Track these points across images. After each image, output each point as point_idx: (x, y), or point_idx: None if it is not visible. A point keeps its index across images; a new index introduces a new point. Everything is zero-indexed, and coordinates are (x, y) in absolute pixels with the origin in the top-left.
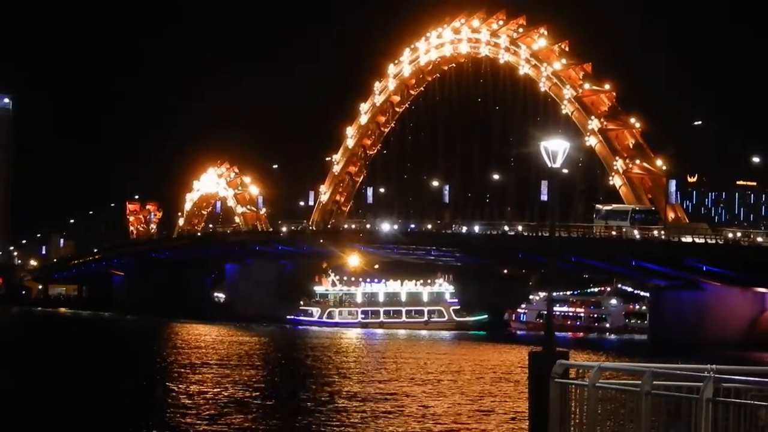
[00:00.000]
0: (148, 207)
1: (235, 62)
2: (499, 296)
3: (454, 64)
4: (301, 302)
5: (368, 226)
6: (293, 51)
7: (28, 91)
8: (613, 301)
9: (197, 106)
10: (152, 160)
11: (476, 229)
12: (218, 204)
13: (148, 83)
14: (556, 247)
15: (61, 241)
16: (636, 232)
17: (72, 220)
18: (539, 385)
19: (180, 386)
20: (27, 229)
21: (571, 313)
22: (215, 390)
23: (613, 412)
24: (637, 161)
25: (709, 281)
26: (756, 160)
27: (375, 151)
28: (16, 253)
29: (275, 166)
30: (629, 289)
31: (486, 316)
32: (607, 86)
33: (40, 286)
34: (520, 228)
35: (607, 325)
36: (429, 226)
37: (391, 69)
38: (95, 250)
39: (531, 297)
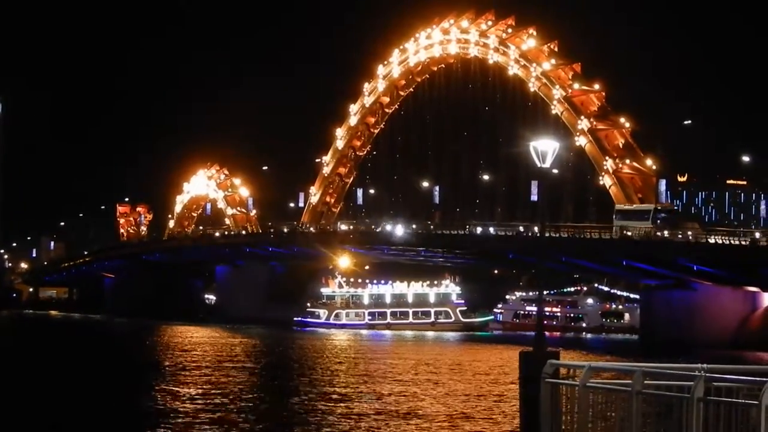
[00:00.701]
0: (138, 209)
1: (223, 65)
2: (488, 297)
3: (443, 65)
4: (308, 304)
5: (362, 227)
6: (283, 53)
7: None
8: (590, 301)
9: (187, 108)
10: (142, 162)
11: (480, 229)
12: (208, 206)
13: (138, 86)
14: (545, 248)
15: (52, 243)
16: (658, 232)
17: (62, 223)
18: (530, 385)
19: (171, 388)
20: (17, 232)
21: (547, 313)
22: (206, 392)
23: (604, 412)
24: (627, 161)
25: (700, 281)
26: (746, 159)
27: (365, 152)
28: (6, 256)
29: (265, 168)
30: (606, 289)
31: (492, 317)
32: (596, 86)
33: (31, 289)
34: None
35: (584, 325)
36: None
37: (381, 70)
38: (86, 253)
39: (507, 297)
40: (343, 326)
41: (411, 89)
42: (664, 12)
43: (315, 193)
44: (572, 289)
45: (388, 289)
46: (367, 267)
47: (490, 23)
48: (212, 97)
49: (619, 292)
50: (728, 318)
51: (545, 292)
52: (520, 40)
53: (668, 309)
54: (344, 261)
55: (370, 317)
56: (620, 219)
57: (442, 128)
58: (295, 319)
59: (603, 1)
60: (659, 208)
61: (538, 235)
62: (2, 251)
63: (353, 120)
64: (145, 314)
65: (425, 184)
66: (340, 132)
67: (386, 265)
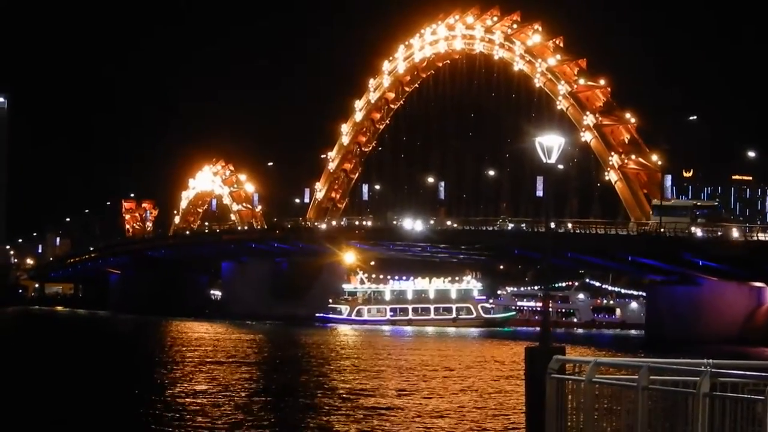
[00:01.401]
0: (143, 205)
1: (229, 59)
2: (494, 292)
3: (448, 61)
4: (330, 300)
5: (367, 223)
6: (287, 49)
7: (24, 90)
8: (581, 296)
9: (192, 103)
10: (148, 158)
11: (512, 225)
12: (214, 202)
13: (143, 81)
14: (550, 243)
15: (57, 239)
16: (698, 230)
17: (68, 219)
18: (536, 380)
19: (176, 384)
20: (23, 228)
21: (538, 308)
22: (213, 388)
23: (610, 408)
24: (633, 156)
25: (705, 276)
26: (751, 154)
27: (370, 148)
28: (12, 252)
29: (270, 164)
30: (597, 284)
31: (513, 312)
32: (601, 82)
33: (37, 285)
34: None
35: (575, 320)
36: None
37: (386, 66)
38: (91, 249)
39: (499, 292)
40: (364, 322)
41: (416, 85)
42: (670, 7)
43: (320, 189)
44: (563, 284)
45: (409, 285)
46: (372, 263)
47: (495, 19)
48: (217, 93)
49: (610, 287)
50: (734, 313)
51: (536, 288)
52: (526, 36)
53: (673, 304)
54: (350, 257)
55: (391, 313)
56: (658, 215)
57: (447, 124)
58: (316, 315)
59: None
60: (699, 204)
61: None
62: (8, 247)
63: (358, 116)
64: (150, 310)
65: (430, 179)
66: (345, 128)
67: (406, 261)
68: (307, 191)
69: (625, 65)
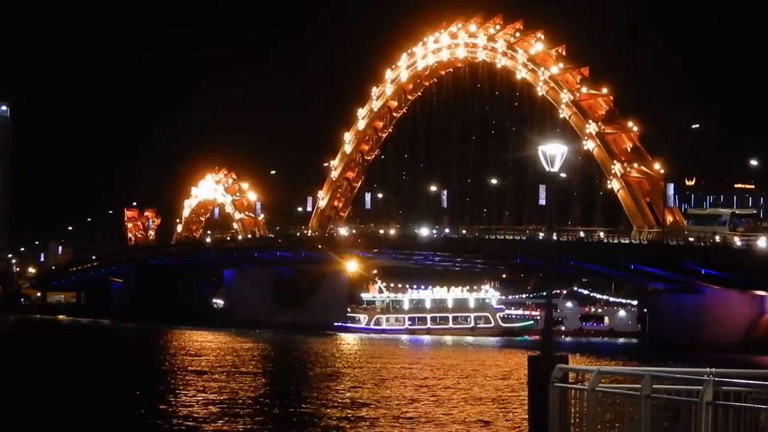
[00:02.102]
0: (146, 214)
1: (232, 67)
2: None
3: (451, 69)
4: (348, 309)
5: (370, 231)
6: (291, 55)
7: (26, 98)
8: (569, 304)
9: (195, 112)
10: (150, 166)
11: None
12: (216, 210)
13: (145, 90)
14: (554, 251)
15: (60, 248)
16: (737, 239)
17: (70, 227)
18: (539, 389)
19: (179, 393)
20: (25, 237)
21: (526, 316)
22: (217, 397)
23: (613, 416)
24: (635, 165)
25: (708, 284)
26: (754, 162)
27: (373, 156)
28: (14, 261)
29: (273, 172)
30: (585, 292)
31: (531, 321)
32: (604, 90)
33: (39, 294)
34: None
35: (563, 328)
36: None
37: (389, 74)
38: (93, 257)
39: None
40: (383, 331)
41: (419, 93)
42: (672, 15)
43: (323, 198)
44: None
45: (428, 295)
46: (375, 271)
47: (498, 27)
48: (219, 101)
49: (598, 296)
50: (736, 322)
51: (524, 296)
52: (528, 44)
53: (676, 313)
54: (352, 265)
55: (410, 322)
56: (694, 224)
57: (450, 132)
58: (335, 324)
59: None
60: (737, 212)
61: (546, 237)
62: (10, 256)
63: (361, 124)
64: (152, 319)
65: (433, 188)
66: (348, 136)
67: (424, 270)
68: (309, 199)
69: (628, 73)
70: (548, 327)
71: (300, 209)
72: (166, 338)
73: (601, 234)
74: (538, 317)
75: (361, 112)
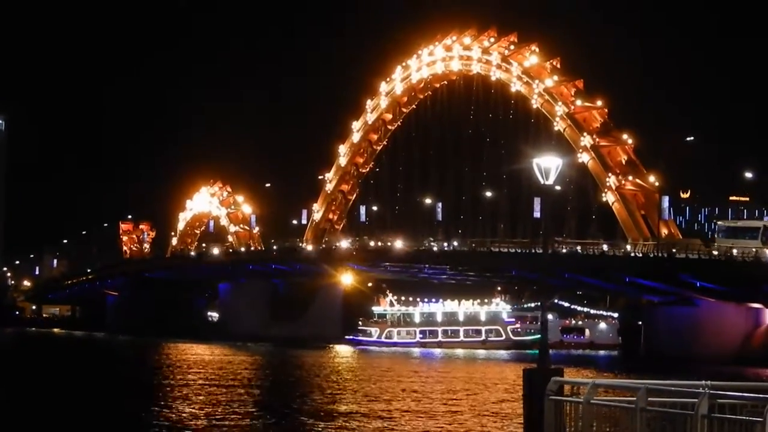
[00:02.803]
0: (141, 227)
1: (226, 82)
2: None
3: (445, 82)
4: (360, 322)
5: (365, 244)
6: (283, 70)
7: (21, 112)
8: (549, 316)
9: (189, 125)
10: (145, 179)
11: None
12: (211, 223)
13: (140, 103)
14: (548, 264)
15: (55, 261)
16: None
17: (65, 240)
18: (534, 402)
19: (173, 407)
20: (20, 250)
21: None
22: (211, 410)
23: (609, 429)
24: (630, 177)
25: (703, 297)
26: (749, 175)
27: (367, 169)
28: (9, 274)
29: (268, 185)
30: (566, 304)
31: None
32: (599, 102)
33: (34, 307)
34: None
35: None
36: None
37: (383, 87)
38: (88, 270)
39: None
40: (394, 344)
41: (413, 106)
42: (667, 28)
43: (318, 210)
44: (532, 304)
45: (439, 308)
46: (370, 284)
47: (492, 40)
48: (214, 115)
49: (579, 308)
50: (731, 334)
51: (508, 308)
52: (523, 57)
53: (671, 325)
54: (347, 278)
55: (421, 335)
56: (725, 237)
57: (444, 145)
58: (346, 337)
59: (605, 17)
60: None
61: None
62: (5, 269)
63: (356, 137)
64: (147, 332)
65: (428, 200)
66: (342, 149)
67: (434, 283)
68: (304, 212)
69: (623, 86)
70: (543, 340)
71: (295, 222)
72: (161, 352)
73: (605, 247)
74: (519, 329)
75: (356, 125)
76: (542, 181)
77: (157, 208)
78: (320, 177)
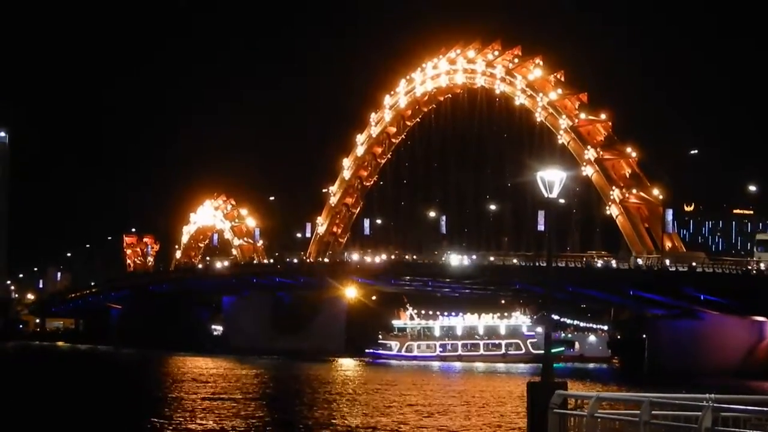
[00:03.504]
0: (145, 240)
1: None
2: None
3: (449, 95)
4: (380, 336)
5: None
6: (288, 83)
7: (24, 125)
8: (539, 330)
9: (192, 138)
10: (149, 193)
11: (601, 263)
12: (215, 236)
13: (142, 116)
14: (552, 277)
15: (59, 274)
16: None
17: (69, 254)
18: (538, 415)
19: (177, 420)
20: (24, 263)
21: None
22: (220, 425)
23: None
24: (634, 191)
25: (707, 310)
26: (752, 188)
27: (371, 182)
28: (13, 287)
29: (272, 198)
30: (555, 317)
31: (563, 348)
32: (602, 116)
33: (38, 320)
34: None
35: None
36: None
37: (387, 100)
38: (92, 284)
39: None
40: (414, 358)
41: (418, 119)
42: (672, 41)
43: (322, 224)
44: (528, 317)
45: (459, 321)
46: (374, 297)
47: (496, 53)
48: (218, 128)
49: (569, 321)
50: (735, 347)
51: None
52: (527, 70)
53: (675, 338)
54: (351, 291)
55: (441, 349)
56: (763, 251)
57: (448, 158)
58: (366, 350)
59: (609, 31)
60: None
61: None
62: (9, 282)
63: (360, 150)
64: (151, 345)
65: (432, 213)
66: (346, 162)
67: (454, 297)
68: (308, 225)
69: (627, 100)
70: (547, 353)
71: (299, 235)
72: (165, 365)
73: (613, 262)
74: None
75: (360, 138)
76: (546, 194)
77: (161, 222)
78: (324, 190)
